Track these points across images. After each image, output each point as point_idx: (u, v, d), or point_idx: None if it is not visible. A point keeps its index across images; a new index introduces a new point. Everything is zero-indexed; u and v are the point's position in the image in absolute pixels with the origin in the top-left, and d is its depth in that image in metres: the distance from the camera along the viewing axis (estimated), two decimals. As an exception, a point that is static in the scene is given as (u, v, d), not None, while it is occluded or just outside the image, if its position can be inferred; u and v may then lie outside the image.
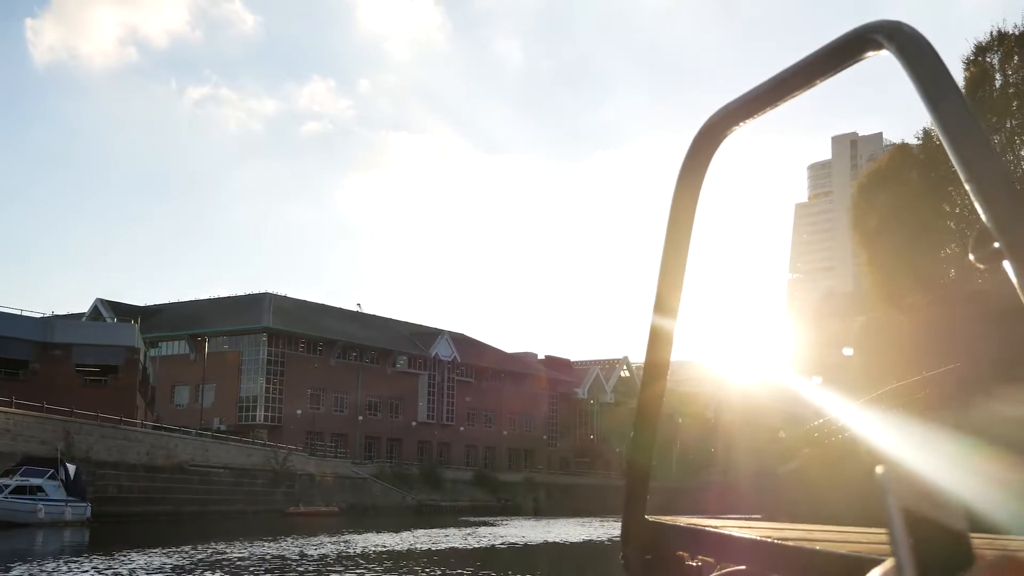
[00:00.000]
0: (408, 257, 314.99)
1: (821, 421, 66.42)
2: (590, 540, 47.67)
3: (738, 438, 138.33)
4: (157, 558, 31.92)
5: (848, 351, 65.35)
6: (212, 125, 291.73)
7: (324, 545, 38.69)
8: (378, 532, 49.38)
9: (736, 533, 2.10)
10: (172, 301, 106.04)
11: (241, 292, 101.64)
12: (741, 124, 2.07)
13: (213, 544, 38.03)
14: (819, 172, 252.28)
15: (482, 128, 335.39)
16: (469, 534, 49.21)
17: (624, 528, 2.32)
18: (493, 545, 42.18)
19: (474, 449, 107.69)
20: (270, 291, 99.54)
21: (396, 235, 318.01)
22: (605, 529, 57.14)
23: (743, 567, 2.06)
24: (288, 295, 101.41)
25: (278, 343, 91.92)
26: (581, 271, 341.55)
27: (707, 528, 2.24)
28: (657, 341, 2.25)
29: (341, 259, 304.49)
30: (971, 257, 1.01)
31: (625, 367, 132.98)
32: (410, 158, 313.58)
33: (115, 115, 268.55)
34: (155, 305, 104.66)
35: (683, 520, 2.36)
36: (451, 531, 52.11)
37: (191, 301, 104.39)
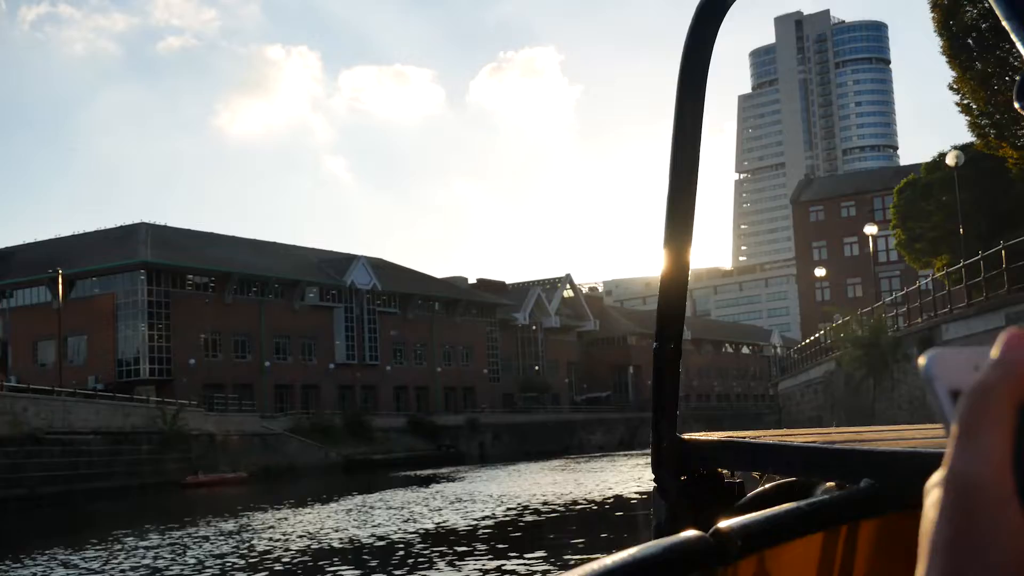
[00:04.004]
0: (307, 186, 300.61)
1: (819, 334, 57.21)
2: (618, 491, 36.25)
3: (693, 357, 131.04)
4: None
5: (871, 228, 56.54)
6: (56, 49, 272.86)
7: (221, 539, 26.93)
8: (300, 504, 37.99)
9: (781, 442, 2.06)
10: (27, 242, 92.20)
11: (109, 222, 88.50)
12: None
13: (71, 538, 26.60)
14: (763, 59, 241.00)
15: (368, 33, 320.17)
16: (434, 497, 37.60)
17: (655, 449, 2.27)
18: (492, 513, 30.40)
19: (404, 391, 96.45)
20: (146, 220, 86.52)
21: (291, 161, 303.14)
22: (604, 472, 46.30)
23: (792, 479, 2.00)
24: (168, 223, 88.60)
25: (160, 280, 79.48)
26: (499, 185, 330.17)
27: (747, 439, 2.19)
28: (672, 248, 2.22)
29: (229, 190, 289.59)
30: (1016, 105, 0.88)
31: (568, 286, 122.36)
32: (296, 76, 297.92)
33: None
34: (5, 248, 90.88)
35: (719, 434, 2.31)
36: (399, 493, 40.85)
37: (50, 240, 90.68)
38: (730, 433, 2.37)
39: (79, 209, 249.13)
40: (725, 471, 2.21)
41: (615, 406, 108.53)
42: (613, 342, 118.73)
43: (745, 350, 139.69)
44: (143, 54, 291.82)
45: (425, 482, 49.37)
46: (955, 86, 34.67)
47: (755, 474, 2.11)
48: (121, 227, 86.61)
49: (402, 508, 33.33)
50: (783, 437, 2.19)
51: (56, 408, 53.90)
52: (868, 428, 2.53)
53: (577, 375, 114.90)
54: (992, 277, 28.06)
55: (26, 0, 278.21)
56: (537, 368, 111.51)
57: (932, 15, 34.82)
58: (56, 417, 52.90)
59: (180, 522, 31.58)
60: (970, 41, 33.80)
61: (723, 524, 1.49)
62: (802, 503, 1.67)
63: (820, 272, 69.66)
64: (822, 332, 55.19)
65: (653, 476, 2.24)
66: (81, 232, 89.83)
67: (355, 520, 29.97)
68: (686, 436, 2.27)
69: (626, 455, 73.49)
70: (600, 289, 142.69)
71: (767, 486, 2.07)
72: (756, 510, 1.70)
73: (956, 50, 33.92)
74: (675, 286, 2.23)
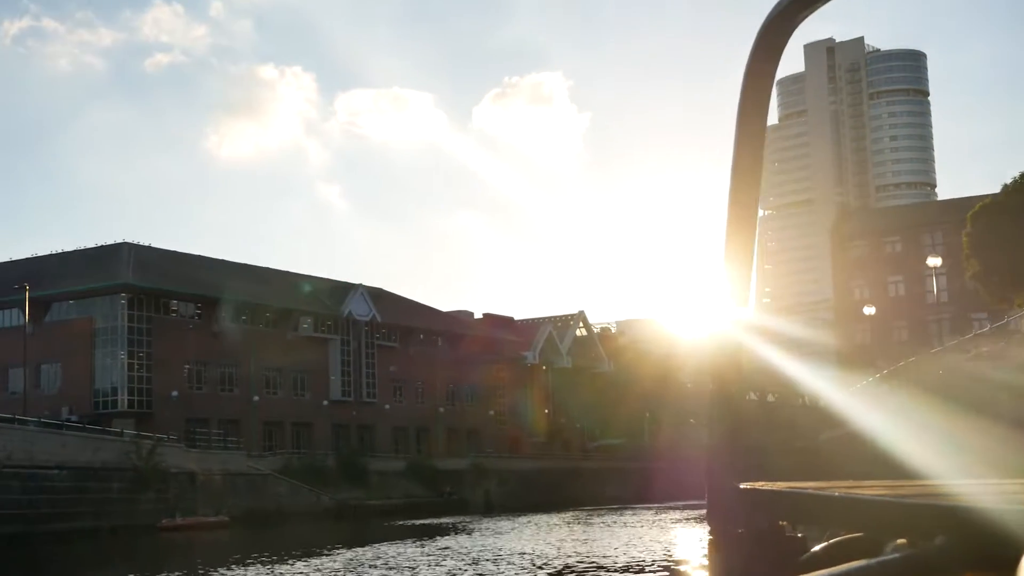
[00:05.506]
0: (301, 212, 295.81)
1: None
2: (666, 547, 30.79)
3: (708, 403, 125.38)
4: None
5: (935, 261, 51.68)
6: (39, 64, 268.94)
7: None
8: (286, 556, 32.51)
9: (849, 494, 1.96)
10: (1, 261, 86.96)
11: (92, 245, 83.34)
12: (814, 7, 1.93)
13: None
14: (791, 88, 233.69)
15: (364, 54, 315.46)
16: (448, 556, 31.95)
17: (711, 499, 2.20)
18: None
19: (404, 432, 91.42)
20: (129, 241, 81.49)
21: (284, 186, 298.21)
22: (640, 527, 40.91)
23: (859, 534, 1.91)
24: (153, 245, 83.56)
25: (142, 305, 74.83)
26: (505, 215, 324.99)
27: (811, 491, 2.09)
28: (730, 284, 2.17)
29: (218, 214, 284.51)
30: None
31: (582, 324, 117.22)
32: (289, 98, 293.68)
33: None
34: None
35: (781, 485, 2.22)
36: (402, 548, 35.42)
37: (25, 259, 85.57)
38: (793, 483, 2.21)
39: (59, 229, 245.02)
40: (786, 523, 2.08)
41: (629, 454, 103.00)
42: (629, 386, 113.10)
43: (770, 398, 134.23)
44: (130, 71, 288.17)
45: (429, 533, 44.30)
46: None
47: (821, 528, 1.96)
48: (102, 247, 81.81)
49: (408, 569, 27.85)
50: (850, 489, 2.05)
51: (16, 438, 49.56)
52: (942, 481, 2.32)
53: (589, 420, 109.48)
54: None
55: (8, 14, 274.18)
56: (547, 411, 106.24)
57: None
58: (16, 448, 48.54)
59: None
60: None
61: None
62: (871, 561, 1.58)
63: (869, 311, 64.49)
64: (877, 376, 50.12)
65: (708, 528, 2.07)
66: (59, 251, 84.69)
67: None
68: (745, 486, 2.13)
69: (648, 508, 68.46)
70: (613, 330, 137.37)
71: (832, 541, 1.94)
72: (820, 568, 1.63)
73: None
74: (733, 323, 2.13)
